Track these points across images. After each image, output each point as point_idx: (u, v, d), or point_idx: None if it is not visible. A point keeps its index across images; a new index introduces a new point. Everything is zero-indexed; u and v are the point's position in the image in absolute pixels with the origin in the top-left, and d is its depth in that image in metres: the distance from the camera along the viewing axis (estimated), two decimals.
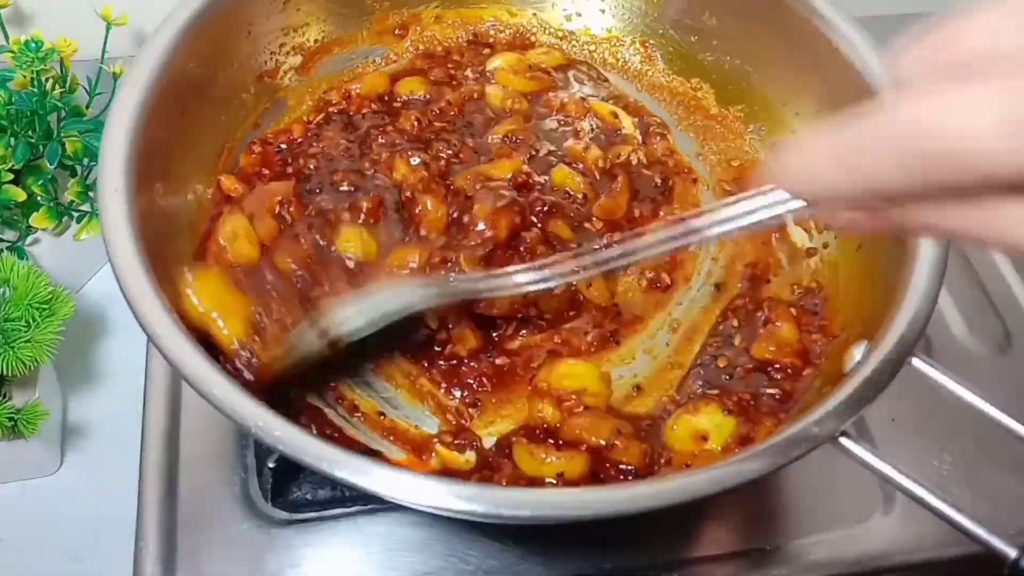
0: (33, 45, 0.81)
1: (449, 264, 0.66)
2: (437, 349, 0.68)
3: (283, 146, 0.76)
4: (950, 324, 0.87)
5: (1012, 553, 0.49)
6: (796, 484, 0.74)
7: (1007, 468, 0.76)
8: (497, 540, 0.69)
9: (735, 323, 0.71)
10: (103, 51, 0.88)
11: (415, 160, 0.72)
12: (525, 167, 0.75)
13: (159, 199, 0.65)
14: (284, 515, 0.69)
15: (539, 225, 0.71)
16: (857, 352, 0.59)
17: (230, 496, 0.70)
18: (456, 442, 0.64)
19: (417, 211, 0.70)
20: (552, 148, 0.79)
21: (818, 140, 0.33)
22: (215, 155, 0.74)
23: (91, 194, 0.82)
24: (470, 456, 0.64)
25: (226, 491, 0.70)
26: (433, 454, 0.63)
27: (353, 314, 0.61)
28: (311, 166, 0.74)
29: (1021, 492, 0.75)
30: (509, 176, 0.74)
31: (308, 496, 0.71)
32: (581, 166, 0.78)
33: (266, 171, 0.74)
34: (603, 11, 0.89)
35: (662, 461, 0.62)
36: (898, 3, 0.96)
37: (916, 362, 0.57)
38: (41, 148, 0.82)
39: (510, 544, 0.69)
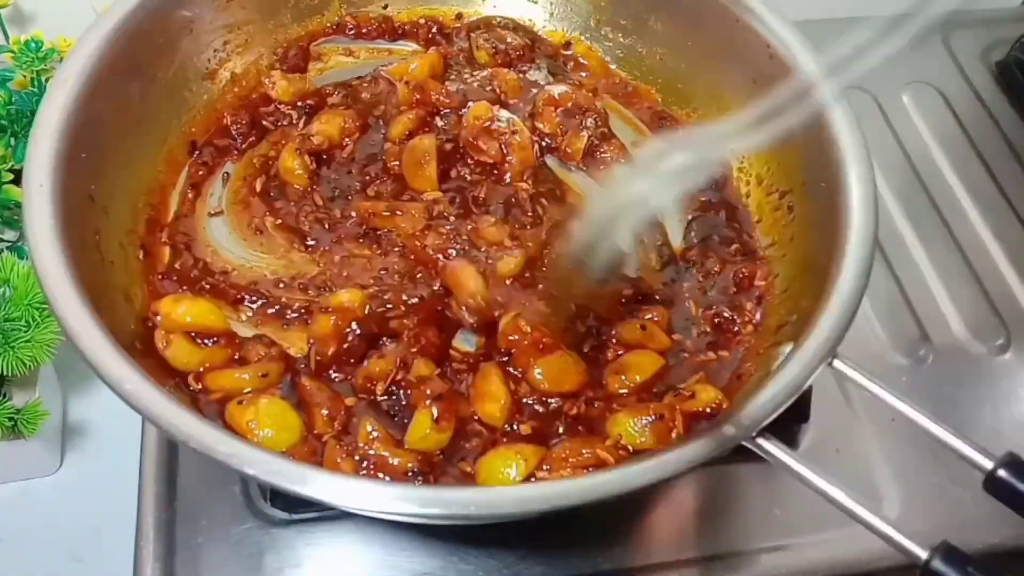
0: (33, 45, 0.81)
1: None
2: None
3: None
4: (950, 324, 0.87)
5: (923, 555, 0.50)
6: (796, 484, 0.74)
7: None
8: (497, 539, 0.69)
9: None
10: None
11: None
12: None
13: (92, 200, 0.64)
14: (284, 515, 0.69)
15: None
16: (783, 354, 0.59)
17: (230, 496, 0.70)
18: None
19: None
20: None
21: None
22: (153, 154, 0.73)
23: None
24: None
25: (226, 491, 0.70)
26: None
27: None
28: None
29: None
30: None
31: None
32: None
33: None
34: (552, 15, 0.89)
35: None
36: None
37: (838, 363, 0.57)
38: None
39: (511, 543, 0.69)
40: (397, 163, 0.76)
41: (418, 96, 0.81)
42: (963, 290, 0.89)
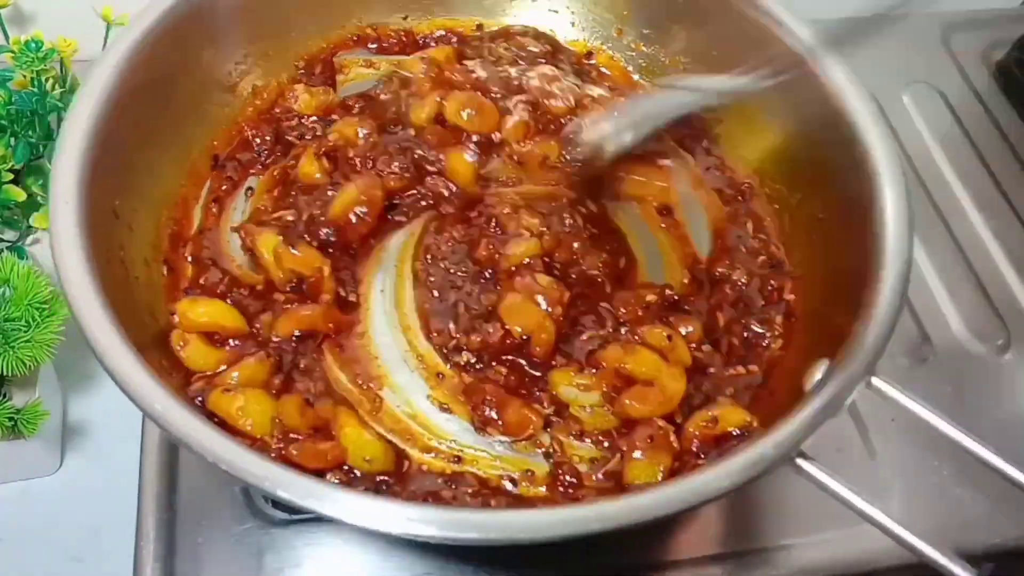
0: (33, 45, 0.81)
1: None
2: None
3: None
4: (950, 324, 0.87)
5: None
6: (795, 484, 0.74)
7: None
8: None
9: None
10: (103, 51, 0.88)
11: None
12: None
13: (116, 216, 0.64)
14: (284, 515, 0.69)
15: None
16: (819, 371, 0.59)
17: (230, 496, 0.70)
18: None
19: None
20: None
21: None
22: (176, 168, 0.73)
23: None
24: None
25: (226, 491, 0.70)
26: None
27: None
28: None
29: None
30: None
31: None
32: None
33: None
34: (573, 24, 0.89)
35: None
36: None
37: (876, 381, 0.57)
38: (41, 148, 0.82)
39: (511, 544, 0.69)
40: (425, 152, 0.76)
41: (434, 73, 0.80)
42: (963, 290, 0.89)
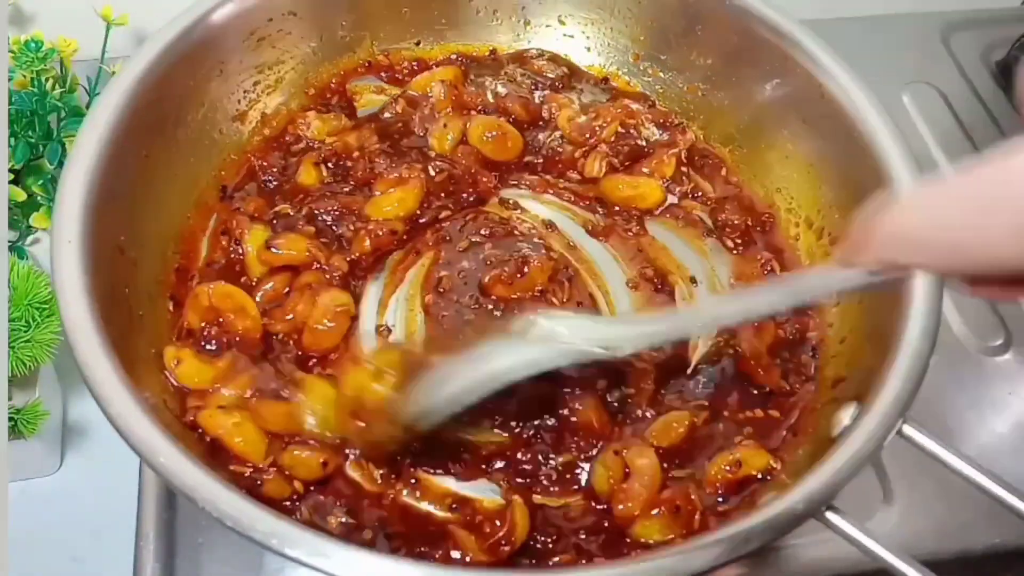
0: (33, 45, 0.81)
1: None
2: None
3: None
4: (950, 324, 0.86)
5: None
6: None
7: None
8: None
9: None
10: (103, 51, 0.88)
11: None
12: None
13: (121, 251, 0.64)
14: None
15: None
16: (846, 415, 0.57)
17: None
18: None
19: None
20: None
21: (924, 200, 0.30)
22: (183, 200, 0.72)
23: None
24: None
25: None
26: None
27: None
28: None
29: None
30: None
31: None
32: None
33: None
34: (588, 49, 0.88)
35: None
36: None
37: (907, 429, 0.55)
38: (41, 148, 0.82)
39: None
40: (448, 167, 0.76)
41: (454, 95, 0.80)
42: None
